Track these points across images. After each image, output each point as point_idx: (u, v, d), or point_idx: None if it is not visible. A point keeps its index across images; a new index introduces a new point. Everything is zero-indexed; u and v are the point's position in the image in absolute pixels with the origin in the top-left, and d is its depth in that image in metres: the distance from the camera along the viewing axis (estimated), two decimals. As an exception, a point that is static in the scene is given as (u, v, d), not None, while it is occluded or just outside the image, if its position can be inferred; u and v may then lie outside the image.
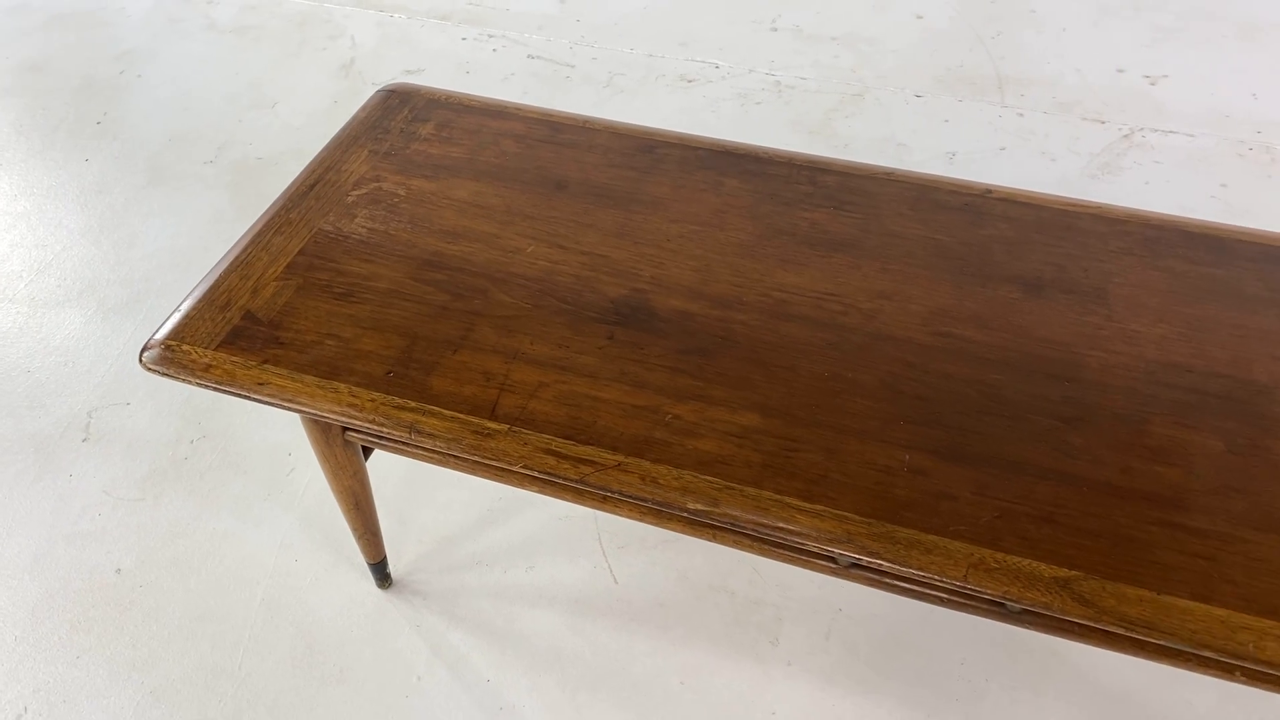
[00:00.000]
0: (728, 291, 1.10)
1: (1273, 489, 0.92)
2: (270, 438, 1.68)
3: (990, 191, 1.24)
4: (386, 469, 1.62)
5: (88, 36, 2.79)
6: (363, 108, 1.39)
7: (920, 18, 2.72)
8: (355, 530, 1.34)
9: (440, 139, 1.32)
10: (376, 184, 1.25)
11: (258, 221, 1.20)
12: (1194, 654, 0.89)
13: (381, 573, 1.45)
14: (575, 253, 1.15)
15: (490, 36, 2.74)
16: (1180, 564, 0.86)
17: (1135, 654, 0.96)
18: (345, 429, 1.13)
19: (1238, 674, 0.93)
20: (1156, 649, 0.94)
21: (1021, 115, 2.34)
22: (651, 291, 1.10)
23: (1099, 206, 1.21)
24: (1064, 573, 0.86)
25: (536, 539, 1.52)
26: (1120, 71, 2.48)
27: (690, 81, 2.52)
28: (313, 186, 1.25)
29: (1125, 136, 2.25)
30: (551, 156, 1.29)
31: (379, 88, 1.42)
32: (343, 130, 1.35)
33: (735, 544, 1.03)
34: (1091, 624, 0.86)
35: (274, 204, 1.22)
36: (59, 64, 2.68)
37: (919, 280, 1.12)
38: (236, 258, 1.15)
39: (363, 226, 1.18)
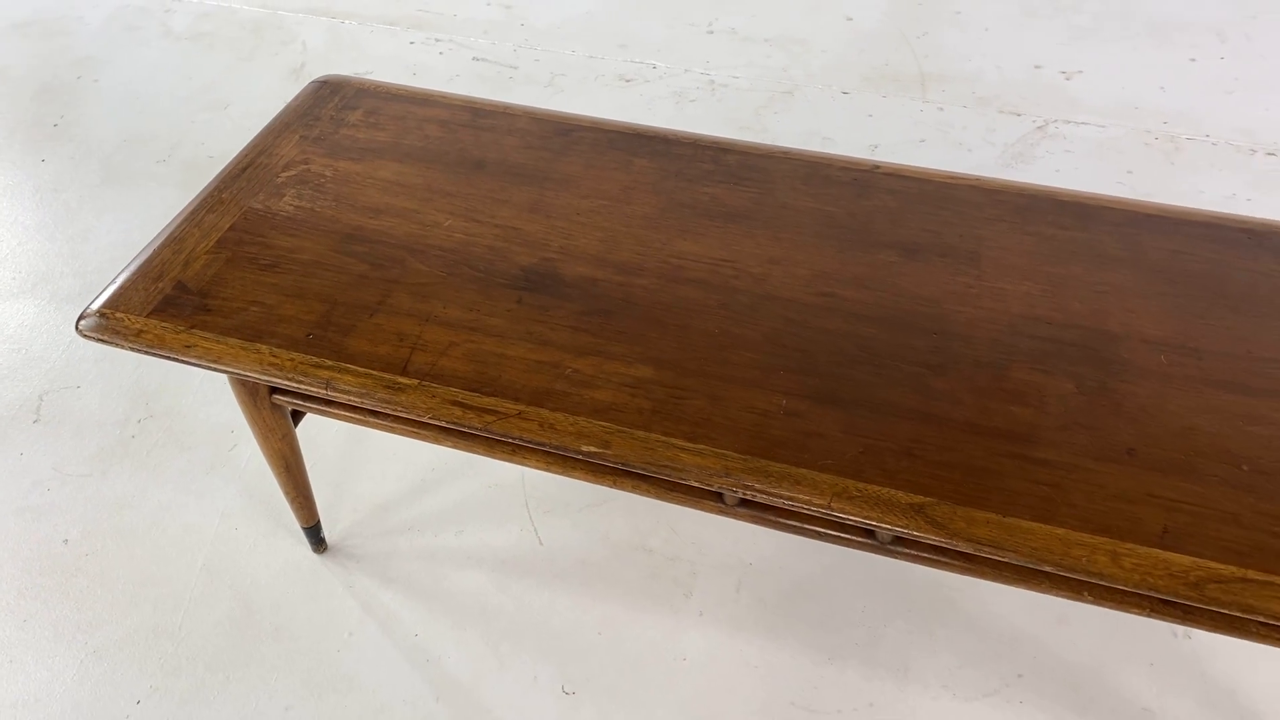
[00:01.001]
0: (630, 259, 1.19)
1: (1115, 424, 1.01)
2: (214, 417, 1.74)
3: (878, 167, 1.33)
4: (325, 442, 1.69)
5: (47, 44, 2.84)
6: (296, 97, 1.46)
7: (850, 19, 2.83)
8: (288, 494, 1.40)
9: (367, 124, 1.40)
10: (305, 166, 1.32)
11: (192, 202, 1.27)
12: (1037, 570, 0.98)
13: (316, 537, 1.51)
14: (490, 226, 1.23)
15: (437, 40, 2.82)
16: (1026, 490, 0.95)
17: (994, 578, 1.05)
18: (272, 391, 1.21)
19: (1085, 594, 1.02)
20: (1012, 571, 1.03)
21: (942, 110, 2.45)
22: (559, 260, 1.19)
23: (977, 179, 1.31)
24: (919, 499, 0.95)
25: (467, 506, 1.59)
26: (1038, 68, 2.59)
27: (628, 81, 2.61)
28: (245, 169, 1.33)
29: (1039, 128, 2.36)
30: (472, 139, 1.37)
31: (313, 79, 1.50)
32: (276, 118, 1.42)
33: (634, 488, 1.12)
34: (945, 544, 0.94)
35: (208, 185, 1.30)
36: (18, 70, 2.74)
37: (807, 247, 1.21)
38: (170, 234, 1.23)
39: (290, 205, 1.26)
